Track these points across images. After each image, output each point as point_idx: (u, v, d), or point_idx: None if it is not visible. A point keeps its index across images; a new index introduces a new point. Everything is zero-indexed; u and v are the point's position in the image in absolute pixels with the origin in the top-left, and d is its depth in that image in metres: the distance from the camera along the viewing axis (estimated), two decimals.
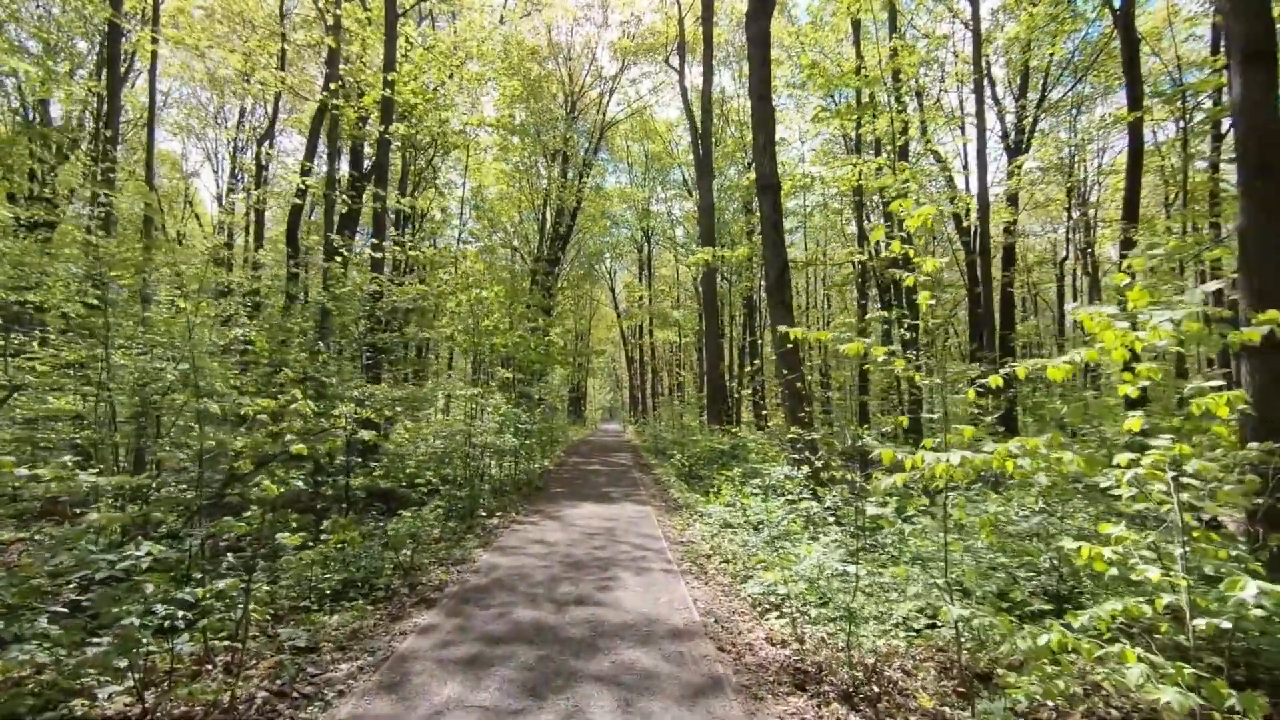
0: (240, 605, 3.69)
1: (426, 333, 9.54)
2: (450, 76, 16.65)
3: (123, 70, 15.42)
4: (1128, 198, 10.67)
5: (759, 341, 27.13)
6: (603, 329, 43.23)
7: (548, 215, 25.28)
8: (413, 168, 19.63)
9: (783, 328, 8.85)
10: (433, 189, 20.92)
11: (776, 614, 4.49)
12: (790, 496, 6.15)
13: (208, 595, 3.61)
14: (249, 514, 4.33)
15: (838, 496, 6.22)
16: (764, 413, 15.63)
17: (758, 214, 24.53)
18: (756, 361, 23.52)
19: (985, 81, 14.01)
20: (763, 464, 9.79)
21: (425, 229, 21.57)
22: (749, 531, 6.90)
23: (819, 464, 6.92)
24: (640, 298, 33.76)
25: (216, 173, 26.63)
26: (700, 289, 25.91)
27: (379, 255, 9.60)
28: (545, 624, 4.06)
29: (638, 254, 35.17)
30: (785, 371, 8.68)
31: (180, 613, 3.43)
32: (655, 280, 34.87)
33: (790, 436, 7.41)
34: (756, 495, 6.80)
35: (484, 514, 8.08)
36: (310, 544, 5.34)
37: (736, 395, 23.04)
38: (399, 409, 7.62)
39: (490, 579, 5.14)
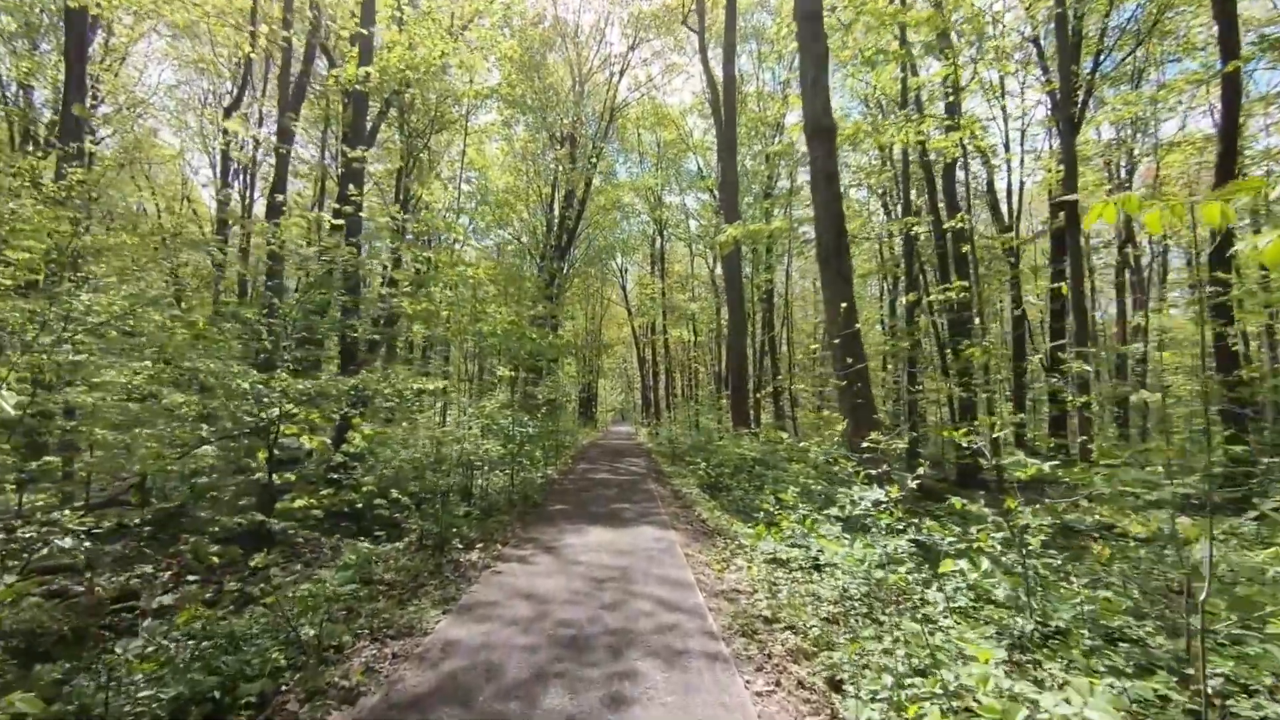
0: None
1: (394, 310, 7.73)
2: (444, 38, 14.90)
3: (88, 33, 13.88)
4: (1221, 163, 9.03)
5: (778, 339, 25.12)
6: (614, 328, 41.54)
7: (555, 202, 23.54)
8: (412, 160, 17.91)
9: (844, 303, 6.94)
10: (433, 174, 19.20)
11: None
12: (898, 534, 4.23)
13: None
14: None
15: (946, 535, 4.31)
16: (799, 412, 13.70)
17: (775, 201, 22.71)
18: (796, 356, 21.56)
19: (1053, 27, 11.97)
20: (809, 476, 7.86)
21: (426, 219, 19.89)
22: (807, 570, 5.00)
23: (914, 484, 5.01)
24: (653, 294, 32.00)
25: (213, 165, 25.23)
26: (719, 281, 24.00)
27: (339, 222, 7.84)
28: None
29: (650, 248, 33.54)
30: (848, 360, 6.77)
31: None
32: (668, 276, 33.11)
33: (866, 446, 5.49)
34: (833, 529, 4.88)
35: (460, 545, 6.25)
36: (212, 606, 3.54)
37: (757, 396, 21.12)
38: (349, 409, 5.80)
39: (438, 675, 3.28)
